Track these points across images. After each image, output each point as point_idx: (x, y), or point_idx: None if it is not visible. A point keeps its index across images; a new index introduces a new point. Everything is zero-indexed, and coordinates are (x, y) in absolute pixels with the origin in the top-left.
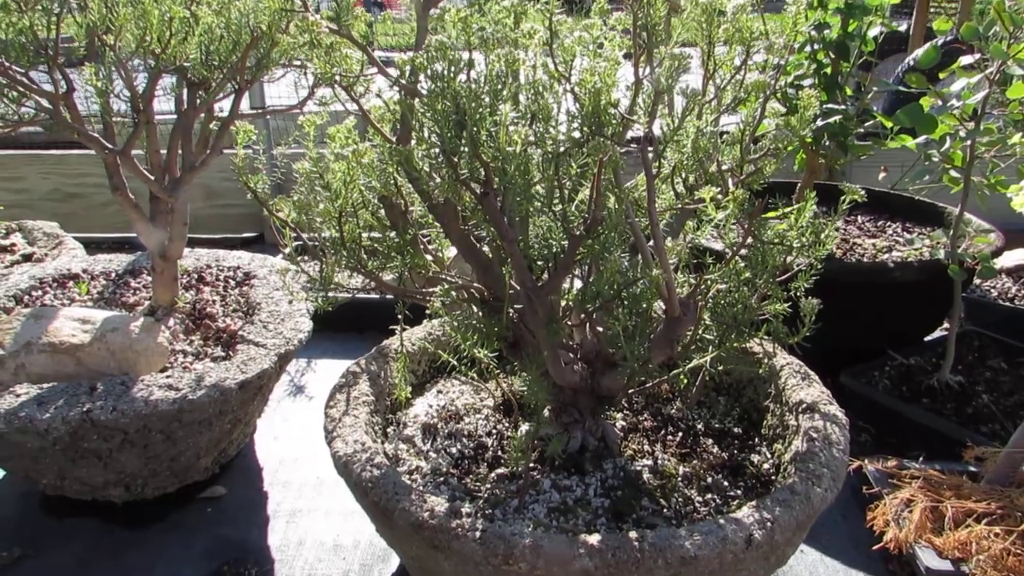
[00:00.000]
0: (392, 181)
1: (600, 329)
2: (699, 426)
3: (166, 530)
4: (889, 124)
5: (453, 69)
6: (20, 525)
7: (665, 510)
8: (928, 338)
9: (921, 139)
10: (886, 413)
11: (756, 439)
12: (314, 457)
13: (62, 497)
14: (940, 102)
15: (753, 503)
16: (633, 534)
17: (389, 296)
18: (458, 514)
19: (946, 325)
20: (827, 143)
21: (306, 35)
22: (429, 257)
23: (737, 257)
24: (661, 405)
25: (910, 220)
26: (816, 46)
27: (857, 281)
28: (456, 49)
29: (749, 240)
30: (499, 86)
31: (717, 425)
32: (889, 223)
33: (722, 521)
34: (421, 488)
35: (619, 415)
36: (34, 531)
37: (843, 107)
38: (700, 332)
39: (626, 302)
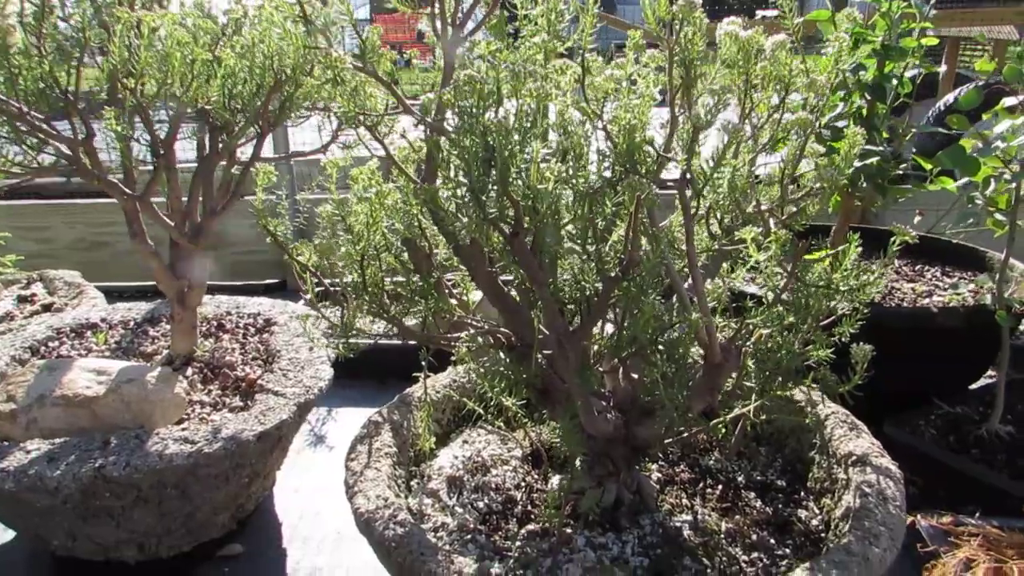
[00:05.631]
0: (416, 223)
1: (635, 376)
2: (740, 478)
3: None
4: (928, 166)
5: (482, 104)
6: None
7: (709, 571)
8: (972, 387)
9: (962, 182)
10: (933, 465)
11: (802, 493)
12: (335, 511)
13: (73, 558)
14: (981, 144)
15: (807, 565)
16: None
17: (411, 343)
18: None
19: (990, 372)
20: (864, 185)
21: (329, 72)
22: (453, 301)
23: (779, 300)
24: (698, 456)
25: (948, 264)
26: (852, 87)
27: (899, 327)
28: (485, 83)
29: (792, 283)
30: (530, 122)
31: (759, 477)
32: (927, 267)
33: None
34: (448, 547)
35: (654, 466)
36: None
37: (881, 148)
38: (741, 379)
39: (663, 347)
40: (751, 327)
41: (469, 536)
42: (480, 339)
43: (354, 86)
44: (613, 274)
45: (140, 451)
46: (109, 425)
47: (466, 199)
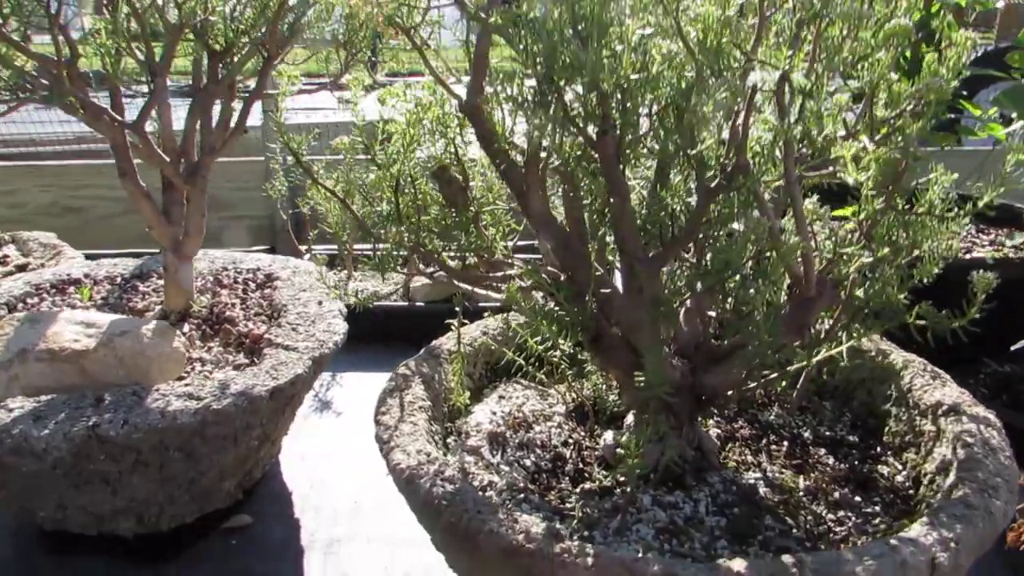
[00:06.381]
0: (452, 148)
1: (710, 315)
2: (806, 434)
3: (186, 566)
4: (977, 111)
5: None
6: (14, 567)
7: (794, 530)
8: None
9: (1017, 125)
10: None
11: (878, 448)
12: (348, 478)
13: (63, 532)
14: None
15: (925, 520)
16: (788, 559)
17: (417, 304)
18: (559, 536)
19: None
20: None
21: None
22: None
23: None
24: (757, 411)
25: (982, 221)
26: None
27: (951, 280)
28: None
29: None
30: None
31: (827, 433)
32: None
33: (894, 542)
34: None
35: (711, 422)
36: (31, 573)
37: None
38: (841, 315)
39: (760, 276)
40: (847, 257)
41: (521, 495)
42: (535, 276)
43: None
44: (714, 184)
45: (139, 408)
46: (100, 382)
47: (537, 98)
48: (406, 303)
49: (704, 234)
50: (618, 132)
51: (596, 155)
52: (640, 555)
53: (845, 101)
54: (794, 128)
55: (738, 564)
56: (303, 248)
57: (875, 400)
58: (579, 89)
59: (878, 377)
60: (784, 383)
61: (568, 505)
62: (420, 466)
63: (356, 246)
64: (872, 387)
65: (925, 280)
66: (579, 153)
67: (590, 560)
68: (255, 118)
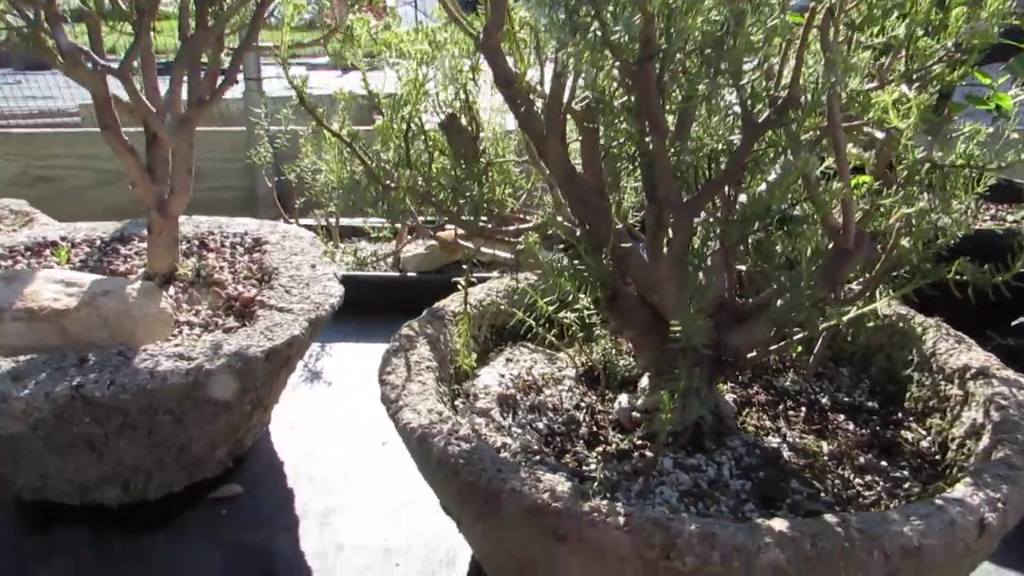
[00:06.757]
0: (463, 95)
1: (740, 268)
2: (824, 400)
3: (174, 536)
4: (987, 80)
5: None
6: None
7: (823, 494)
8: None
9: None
10: None
11: (899, 414)
12: (341, 447)
13: (42, 502)
14: None
15: (969, 481)
16: (831, 518)
17: (409, 274)
18: (587, 495)
19: None
20: None
21: None
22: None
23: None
24: (772, 377)
25: (982, 197)
26: None
27: (959, 251)
28: None
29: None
30: None
31: (846, 399)
32: None
33: (940, 502)
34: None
35: (726, 387)
36: (9, 546)
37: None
38: (883, 268)
39: (801, 223)
40: (886, 208)
41: (537, 458)
42: (555, 223)
43: None
44: (762, 118)
45: (126, 368)
46: (82, 343)
47: (569, 23)
48: (397, 273)
49: (739, 179)
50: (662, 59)
51: (633, 88)
52: (680, 514)
53: (868, 57)
54: (845, 61)
55: (779, 523)
56: (291, 219)
57: (895, 365)
58: (616, 13)
59: (898, 342)
60: (800, 348)
61: (586, 468)
62: (433, 425)
63: (344, 220)
64: (892, 352)
65: (951, 242)
66: (614, 86)
67: (622, 519)
68: (236, 92)
